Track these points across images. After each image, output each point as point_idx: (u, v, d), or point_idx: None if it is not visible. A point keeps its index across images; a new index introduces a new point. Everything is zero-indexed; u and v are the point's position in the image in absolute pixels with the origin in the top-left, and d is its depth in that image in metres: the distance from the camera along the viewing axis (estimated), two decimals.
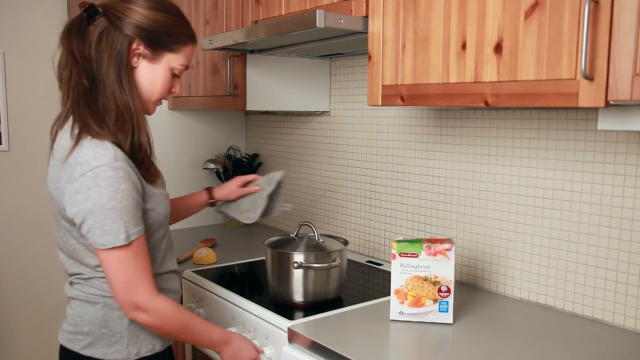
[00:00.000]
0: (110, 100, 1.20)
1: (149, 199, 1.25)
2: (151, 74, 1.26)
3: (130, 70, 1.23)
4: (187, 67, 1.32)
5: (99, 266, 1.24)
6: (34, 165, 2.72)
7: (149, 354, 1.29)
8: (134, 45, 1.22)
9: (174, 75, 1.31)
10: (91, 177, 1.13)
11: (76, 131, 1.19)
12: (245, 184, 1.73)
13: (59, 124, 1.28)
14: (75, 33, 1.20)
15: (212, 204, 1.75)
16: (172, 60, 1.27)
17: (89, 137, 1.17)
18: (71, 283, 1.30)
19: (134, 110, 1.22)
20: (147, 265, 1.22)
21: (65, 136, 1.21)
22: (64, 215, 1.21)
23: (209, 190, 1.74)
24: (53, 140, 1.28)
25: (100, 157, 1.14)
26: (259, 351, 1.45)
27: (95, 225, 1.15)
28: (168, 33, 1.25)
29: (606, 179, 1.42)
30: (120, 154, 1.18)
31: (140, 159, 1.23)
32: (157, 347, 1.31)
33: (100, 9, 1.21)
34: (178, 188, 2.56)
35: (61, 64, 1.23)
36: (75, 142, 1.18)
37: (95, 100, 1.20)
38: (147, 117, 1.32)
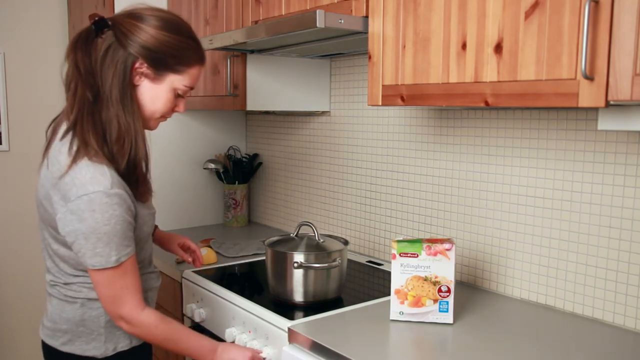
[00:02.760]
0: (113, 118, 1.20)
1: (137, 219, 1.27)
2: (153, 93, 1.26)
3: (133, 88, 1.23)
4: (191, 88, 1.32)
5: (76, 275, 1.28)
6: (34, 165, 2.71)
7: (125, 348, 1.33)
8: (137, 64, 1.21)
9: (178, 95, 1.31)
10: (87, 201, 1.15)
11: (74, 148, 1.19)
12: (184, 246, 1.72)
13: (54, 126, 1.28)
14: (82, 45, 1.20)
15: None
16: (176, 81, 1.27)
17: (86, 158, 1.18)
18: (51, 285, 1.33)
19: (134, 131, 1.22)
20: (135, 281, 1.26)
21: (63, 150, 1.21)
22: (51, 223, 1.24)
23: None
24: (48, 144, 1.28)
25: (97, 182, 1.15)
26: (257, 352, 1.45)
27: (86, 247, 1.18)
28: (173, 54, 1.24)
29: (606, 179, 1.42)
30: (116, 179, 1.19)
31: (134, 178, 1.24)
32: (135, 341, 1.35)
33: (110, 23, 1.21)
34: (178, 188, 2.56)
35: (68, 75, 1.23)
36: (73, 160, 1.18)
37: (99, 114, 1.21)
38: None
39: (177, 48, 1.24)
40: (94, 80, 1.20)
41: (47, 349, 1.35)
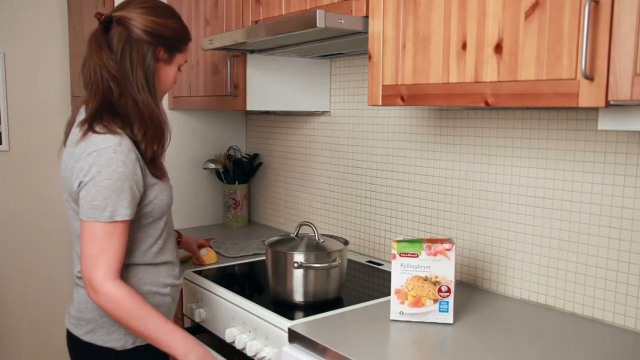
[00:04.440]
0: (143, 105, 1.30)
1: (153, 187, 1.33)
2: (166, 74, 1.41)
3: (155, 74, 1.35)
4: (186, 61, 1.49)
5: None
6: (34, 165, 2.72)
7: (144, 343, 1.35)
8: (157, 52, 1.35)
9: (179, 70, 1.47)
10: (95, 156, 1.23)
11: (86, 125, 1.28)
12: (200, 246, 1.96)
13: (71, 121, 1.38)
14: (99, 45, 1.30)
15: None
16: (180, 58, 1.44)
17: (101, 126, 1.27)
18: (78, 276, 1.36)
19: (157, 112, 1.33)
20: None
21: (79, 127, 1.31)
22: (73, 196, 1.29)
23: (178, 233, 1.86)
24: (66, 136, 1.37)
25: (108, 140, 1.24)
26: None
27: (86, 198, 1.23)
28: (179, 37, 1.40)
29: (606, 179, 1.42)
30: (126, 141, 1.26)
31: (156, 159, 1.34)
32: None
33: (114, 19, 1.31)
34: (178, 188, 2.56)
35: (89, 74, 1.30)
36: (88, 128, 1.27)
37: (117, 105, 1.29)
38: None
39: (180, 30, 1.40)
40: (118, 73, 1.28)
41: (71, 338, 1.38)
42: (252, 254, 2.11)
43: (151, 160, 1.31)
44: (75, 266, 1.37)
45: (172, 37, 1.37)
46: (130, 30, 1.31)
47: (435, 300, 1.41)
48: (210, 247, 2.13)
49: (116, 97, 1.29)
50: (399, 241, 1.41)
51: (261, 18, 1.91)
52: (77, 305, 1.36)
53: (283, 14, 1.81)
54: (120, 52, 1.30)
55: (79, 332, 1.35)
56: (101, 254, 1.23)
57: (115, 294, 1.23)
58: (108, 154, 1.22)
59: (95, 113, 1.28)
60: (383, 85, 1.46)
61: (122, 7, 1.35)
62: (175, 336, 1.28)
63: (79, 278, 1.35)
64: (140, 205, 1.31)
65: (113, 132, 1.25)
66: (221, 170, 2.56)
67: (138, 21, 1.31)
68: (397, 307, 1.43)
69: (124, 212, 1.24)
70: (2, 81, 2.64)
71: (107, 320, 1.32)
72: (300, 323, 1.43)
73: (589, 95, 1.04)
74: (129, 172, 1.24)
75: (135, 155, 1.26)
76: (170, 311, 1.46)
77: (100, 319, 1.33)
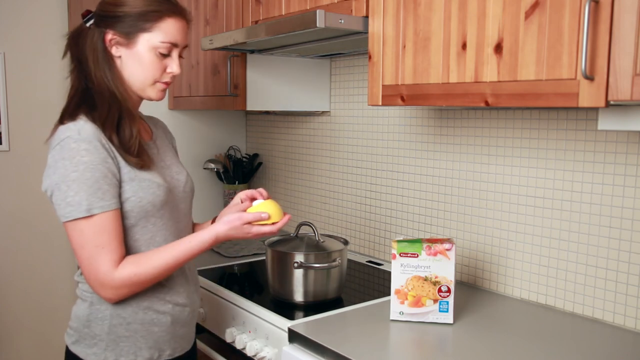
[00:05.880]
0: (103, 92, 1.24)
1: (131, 183, 1.21)
2: (135, 59, 1.25)
3: (114, 60, 1.26)
4: (173, 44, 1.27)
5: None
6: (34, 165, 2.72)
7: None
8: (109, 37, 1.25)
9: (163, 55, 1.27)
10: (59, 150, 1.16)
11: (58, 119, 1.25)
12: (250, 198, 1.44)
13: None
14: (73, 39, 1.29)
15: None
16: (150, 39, 1.24)
17: (69, 118, 1.21)
18: (76, 283, 1.32)
19: (121, 99, 1.24)
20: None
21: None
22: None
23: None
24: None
25: (68, 130, 1.17)
26: (259, 221, 1.28)
27: (59, 197, 1.15)
28: (136, 14, 1.23)
29: (606, 179, 1.42)
30: (88, 127, 1.17)
31: (129, 145, 1.22)
32: (141, 359, 1.26)
33: (92, 13, 1.28)
34: None
35: (69, 70, 1.30)
36: (58, 122, 1.23)
37: (93, 97, 1.24)
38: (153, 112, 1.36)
39: (138, 6, 1.24)
40: (83, 66, 1.26)
41: (66, 346, 1.30)
42: (252, 254, 2.11)
43: (121, 145, 1.20)
44: (76, 275, 1.31)
45: (122, 16, 1.23)
46: (95, 22, 1.26)
47: (435, 300, 1.41)
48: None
49: (83, 89, 1.25)
50: (399, 241, 1.41)
51: (261, 18, 1.91)
52: (71, 315, 1.30)
53: (283, 14, 1.81)
54: (85, 43, 1.25)
55: (68, 341, 1.28)
56: (97, 251, 1.15)
57: (127, 275, 1.17)
58: (69, 146, 1.14)
59: (67, 107, 1.24)
60: (383, 85, 1.46)
61: None
62: (195, 249, 1.23)
63: (77, 284, 1.29)
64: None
65: (75, 120, 1.18)
66: (221, 170, 2.56)
67: (102, 8, 1.26)
68: (397, 307, 1.43)
69: (101, 204, 1.14)
70: (2, 81, 2.64)
71: (88, 331, 1.24)
72: (300, 323, 1.43)
73: (589, 95, 1.04)
74: (97, 160, 1.15)
75: (101, 143, 1.17)
76: (171, 334, 1.30)
77: (83, 329, 1.25)
